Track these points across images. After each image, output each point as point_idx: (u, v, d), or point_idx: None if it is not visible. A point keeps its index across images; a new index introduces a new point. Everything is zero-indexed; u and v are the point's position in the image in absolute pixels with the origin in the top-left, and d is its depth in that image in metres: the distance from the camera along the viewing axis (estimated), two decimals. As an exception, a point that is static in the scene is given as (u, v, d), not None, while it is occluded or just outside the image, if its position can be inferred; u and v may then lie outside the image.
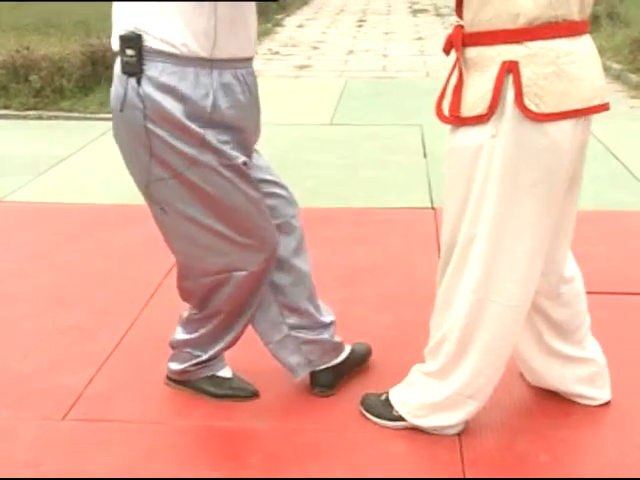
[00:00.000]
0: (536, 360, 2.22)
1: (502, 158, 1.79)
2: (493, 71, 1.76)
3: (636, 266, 3.23)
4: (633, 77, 7.42)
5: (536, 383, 2.30)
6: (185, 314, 2.28)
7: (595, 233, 3.45)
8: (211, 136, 1.91)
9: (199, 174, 1.94)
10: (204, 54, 1.87)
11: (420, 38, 11.12)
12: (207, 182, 1.95)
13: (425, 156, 4.88)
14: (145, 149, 1.93)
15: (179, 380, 2.35)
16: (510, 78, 1.74)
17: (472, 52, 1.83)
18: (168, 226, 2.09)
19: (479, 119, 1.79)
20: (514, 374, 2.35)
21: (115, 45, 1.93)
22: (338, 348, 2.35)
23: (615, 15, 10.04)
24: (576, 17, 1.77)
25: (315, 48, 9.67)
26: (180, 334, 2.29)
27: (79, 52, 6.83)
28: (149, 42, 1.86)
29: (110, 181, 4.53)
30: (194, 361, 2.28)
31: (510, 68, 1.74)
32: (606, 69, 7.93)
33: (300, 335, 2.25)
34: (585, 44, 1.83)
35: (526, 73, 1.73)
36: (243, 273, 2.09)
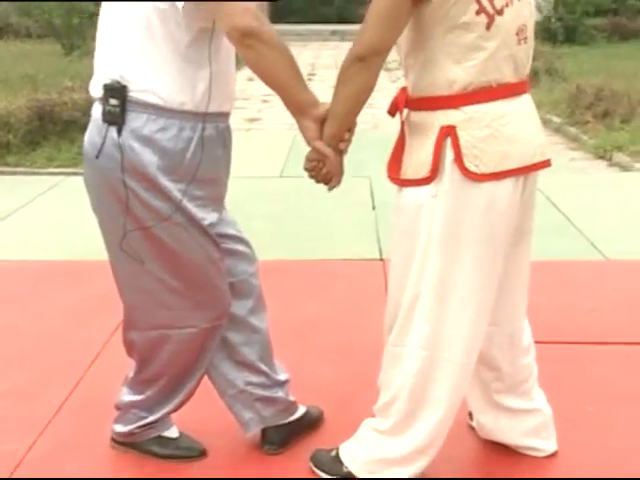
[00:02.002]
0: (484, 413, 2.24)
1: (443, 218, 1.83)
2: (433, 136, 1.81)
3: (581, 315, 3.30)
4: (572, 130, 7.68)
5: (485, 436, 2.31)
6: (131, 374, 2.24)
7: (540, 283, 3.49)
8: (185, 194, 1.91)
9: (166, 230, 1.93)
10: (189, 107, 1.88)
11: (368, 91, 11.32)
12: (172, 238, 1.95)
13: (374, 208, 4.94)
14: (118, 200, 1.91)
15: (124, 442, 2.29)
16: (449, 142, 1.79)
17: (415, 116, 1.88)
18: (124, 276, 2.07)
19: (421, 182, 1.84)
20: (463, 426, 2.36)
21: (96, 92, 1.91)
22: (292, 407, 2.34)
23: (553, 71, 10.42)
24: (511, 79, 1.83)
25: (265, 101, 9.76)
26: (126, 395, 2.24)
27: (25, 107, 6.77)
28: (134, 93, 1.84)
29: (56, 237, 4.46)
30: (140, 423, 2.23)
31: (448, 132, 1.79)
32: (546, 122, 8.31)
33: (254, 392, 2.23)
34: (522, 104, 1.89)
35: (464, 136, 1.78)
36: (193, 330, 2.07)
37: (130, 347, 2.19)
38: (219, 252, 2.04)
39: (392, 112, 1.97)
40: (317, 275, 3.87)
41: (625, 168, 6.21)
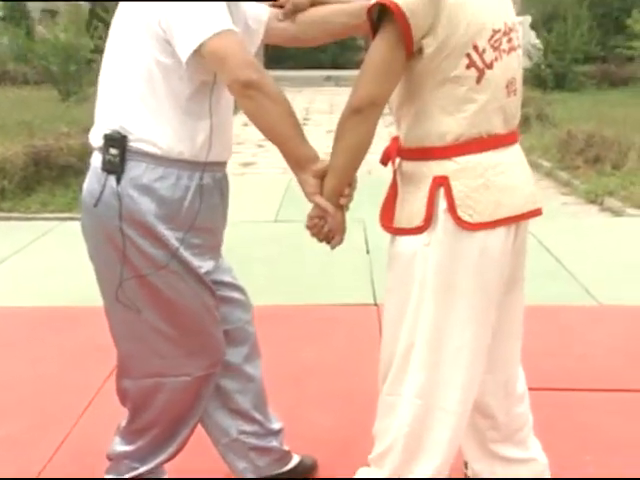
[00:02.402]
0: (479, 462, 2.22)
1: (436, 267, 1.84)
2: (426, 186, 1.83)
3: (574, 361, 3.30)
4: (563, 174, 7.77)
5: (480, 484, 2.29)
6: (123, 423, 2.22)
7: (532, 328, 3.48)
8: (182, 242, 1.92)
9: (162, 278, 1.93)
10: (188, 157, 1.90)
11: (361, 137, 11.44)
12: (168, 286, 1.95)
13: (368, 252, 4.97)
14: (116, 248, 1.92)
15: (117, 493, 2.26)
16: (442, 191, 1.82)
17: (407, 166, 1.91)
18: (119, 324, 2.06)
19: (414, 231, 1.86)
20: (459, 474, 2.34)
21: (96, 142, 1.94)
22: (286, 457, 2.32)
23: (544, 116, 10.57)
24: (501, 131, 1.87)
25: (260, 146, 9.86)
26: (118, 445, 2.22)
27: (22, 153, 6.82)
28: (134, 142, 1.87)
29: (50, 283, 4.46)
30: (133, 474, 2.19)
31: (441, 182, 1.81)
32: (537, 167, 8.39)
33: (248, 441, 2.22)
34: (513, 154, 1.93)
35: (457, 186, 1.81)
36: (187, 378, 2.07)
37: (123, 396, 2.18)
38: (215, 300, 2.05)
39: (384, 161, 2.00)
40: (312, 321, 3.87)
41: (617, 213, 6.26)
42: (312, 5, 2.14)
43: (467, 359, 1.90)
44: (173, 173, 1.89)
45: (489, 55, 1.80)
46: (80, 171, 7.18)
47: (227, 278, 2.17)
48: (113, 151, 1.87)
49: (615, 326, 3.74)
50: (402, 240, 1.90)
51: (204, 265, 2.00)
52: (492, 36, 1.80)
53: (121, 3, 1.95)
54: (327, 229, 1.93)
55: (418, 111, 1.84)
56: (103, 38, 14.56)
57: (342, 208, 1.91)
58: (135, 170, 1.88)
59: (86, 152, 7.17)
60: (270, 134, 1.85)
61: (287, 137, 1.84)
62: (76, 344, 3.51)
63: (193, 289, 1.98)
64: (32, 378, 3.19)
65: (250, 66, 1.76)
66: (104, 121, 1.93)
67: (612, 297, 4.13)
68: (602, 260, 4.83)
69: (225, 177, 2.07)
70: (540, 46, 16.81)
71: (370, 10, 1.78)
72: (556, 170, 7.99)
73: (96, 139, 1.94)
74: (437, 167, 1.83)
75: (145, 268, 1.92)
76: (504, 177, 1.85)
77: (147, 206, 1.88)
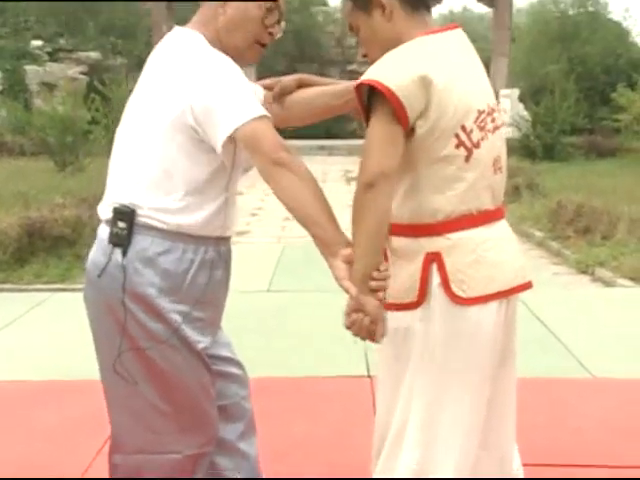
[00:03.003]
0: None
1: (431, 343, 1.86)
2: (418, 261, 1.87)
3: (567, 436, 3.27)
4: (554, 244, 7.83)
5: None
6: None
7: (525, 401, 3.46)
8: (184, 316, 1.94)
9: (160, 352, 1.94)
10: (195, 232, 1.94)
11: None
12: (164, 360, 1.96)
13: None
14: (116, 320, 1.93)
15: None
16: (435, 267, 1.85)
17: (398, 242, 1.94)
18: (115, 396, 2.06)
19: (408, 306, 1.88)
20: None
21: (104, 214, 1.97)
22: None
23: (534, 186, 10.72)
24: (489, 207, 1.92)
25: (253, 215, 9.95)
26: None
27: (16, 225, 6.85)
28: (142, 217, 1.90)
29: (41, 356, 4.42)
30: None
31: (434, 258, 1.85)
32: (529, 236, 8.46)
33: None
34: (501, 229, 1.98)
35: (449, 262, 1.85)
36: (177, 456, 2.05)
37: (114, 470, 2.15)
38: (210, 376, 2.05)
39: None
40: (305, 393, 3.83)
41: (608, 284, 6.29)
42: (299, 87, 2.22)
43: (461, 436, 1.90)
44: (179, 247, 1.93)
45: (476, 135, 1.86)
46: (74, 242, 7.21)
47: (225, 352, 2.17)
48: (121, 224, 1.91)
49: (609, 400, 3.71)
50: (396, 316, 1.92)
51: (203, 340, 2.01)
52: (478, 117, 1.87)
53: (144, 79, 2.00)
54: (367, 322, 1.82)
55: (408, 189, 1.89)
56: (100, 110, 14.88)
57: (373, 294, 1.82)
58: (142, 243, 1.91)
59: (80, 223, 7.28)
60: (300, 214, 1.84)
61: (317, 219, 1.82)
62: (66, 419, 3.46)
63: (189, 364, 1.99)
64: (21, 454, 3.13)
65: (282, 148, 1.81)
66: (114, 195, 1.97)
67: (606, 370, 4.11)
68: (595, 332, 4.83)
69: (229, 250, 2.10)
70: (528, 118, 17.18)
71: (359, 89, 1.84)
72: (547, 240, 8.06)
73: (105, 212, 1.98)
74: (429, 243, 1.87)
75: (144, 341, 1.93)
76: (494, 252, 1.90)
77: (151, 279, 1.90)
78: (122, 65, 21.29)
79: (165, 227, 1.91)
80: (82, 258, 6.77)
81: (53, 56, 21.13)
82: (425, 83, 1.76)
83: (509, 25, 20.83)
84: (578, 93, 18.50)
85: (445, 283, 1.84)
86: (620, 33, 24.02)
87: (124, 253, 1.91)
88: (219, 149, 1.84)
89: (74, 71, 20.29)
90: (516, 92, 19.94)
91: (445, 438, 1.89)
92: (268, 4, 1.98)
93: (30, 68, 19.71)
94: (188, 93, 1.84)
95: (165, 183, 1.91)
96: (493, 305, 1.89)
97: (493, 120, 1.93)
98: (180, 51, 1.92)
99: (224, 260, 2.07)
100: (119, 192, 1.96)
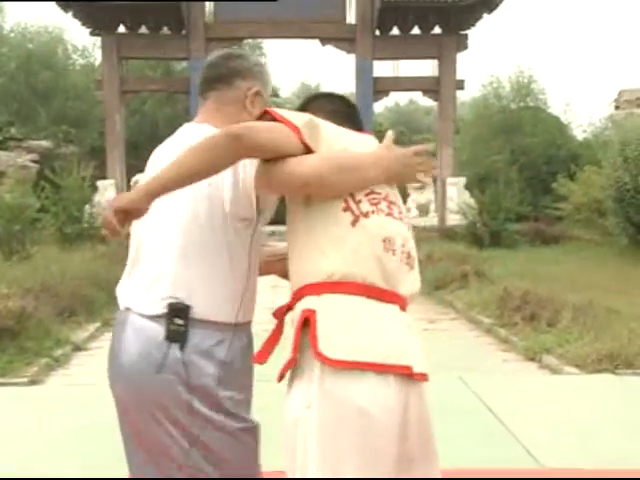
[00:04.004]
0: None
1: (317, 427, 1.81)
2: (296, 319, 1.89)
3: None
4: (502, 331, 7.94)
5: None
6: None
7: (477, 494, 3.46)
8: (234, 402, 1.98)
9: (217, 439, 1.96)
10: (233, 319, 2.01)
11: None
12: (223, 445, 1.98)
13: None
14: (170, 416, 1.93)
15: None
16: (306, 325, 1.84)
17: (293, 312, 1.96)
18: None
19: (288, 364, 1.86)
20: None
21: (152, 309, 1.95)
22: None
23: (481, 273, 10.94)
24: (379, 283, 1.88)
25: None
26: None
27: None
28: (197, 313, 1.94)
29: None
30: None
31: (308, 316, 1.84)
32: (477, 323, 8.58)
33: None
34: (390, 310, 1.89)
35: (321, 321, 1.83)
36: None
37: None
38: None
39: (276, 314, 2.03)
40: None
41: (555, 371, 6.37)
42: None
43: None
44: (228, 337, 1.99)
45: (365, 206, 1.91)
46: (17, 334, 7.02)
47: None
48: (179, 321, 1.93)
49: (558, 490, 3.70)
50: (287, 406, 1.89)
51: (248, 419, 2.05)
52: (369, 193, 1.94)
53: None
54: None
55: (298, 254, 1.94)
56: (50, 198, 14.79)
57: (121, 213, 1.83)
58: (197, 338, 1.94)
59: (24, 314, 7.08)
60: None
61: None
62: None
63: (247, 447, 2.02)
64: None
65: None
66: (162, 290, 1.96)
67: (554, 459, 4.10)
68: (543, 420, 4.84)
69: (251, 333, 2.15)
70: (474, 206, 17.69)
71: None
72: (495, 327, 8.17)
73: (153, 307, 1.96)
74: (307, 302, 1.88)
75: (197, 429, 1.94)
76: (370, 323, 1.85)
77: (210, 370, 1.94)
78: (73, 153, 21.36)
79: (218, 320, 1.97)
80: (25, 351, 6.60)
81: (3, 144, 21.12)
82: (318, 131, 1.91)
83: (453, 117, 21.72)
84: (521, 182, 19.23)
85: (313, 340, 1.81)
86: (560, 126, 25.20)
87: (181, 348, 1.92)
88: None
89: (24, 159, 20.27)
90: (462, 180, 20.61)
91: None
92: None
93: (-21, 156, 19.63)
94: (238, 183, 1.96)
95: (217, 276, 1.98)
96: (371, 380, 1.81)
97: (390, 207, 1.96)
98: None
99: (250, 343, 2.12)
100: (168, 286, 1.96)
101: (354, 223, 1.89)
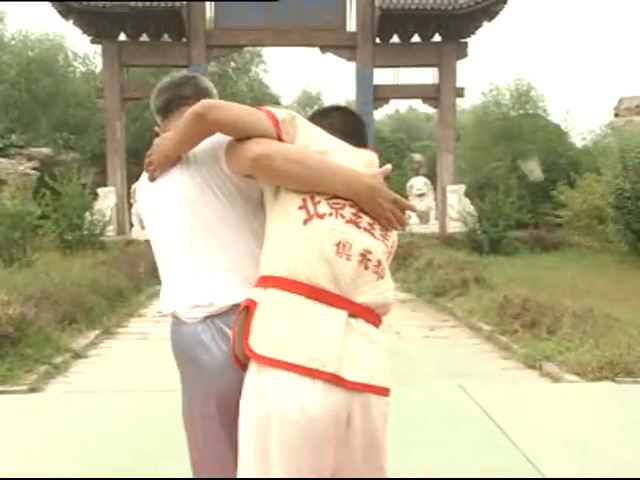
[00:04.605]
0: None
1: (241, 417, 1.89)
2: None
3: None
4: (502, 338, 7.91)
5: None
6: None
7: (477, 502, 3.45)
8: None
9: None
10: None
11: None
12: None
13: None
14: None
15: None
16: (244, 315, 1.87)
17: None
18: None
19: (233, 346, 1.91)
20: None
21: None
22: None
23: (481, 279, 10.91)
24: (327, 286, 1.86)
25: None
26: None
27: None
28: None
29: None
30: None
31: (247, 306, 1.87)
32: (477, 330, 8.55)
33: None
34: (337, 316, 1.86)
35: (258, 314, 1.85)
36: None
37: None
38: None
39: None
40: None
41: (555, 379, 6.34)
42: None
43: None
44: None
45: (323, 208, 1.92)
46: (17, 341, 7.00)
47: None
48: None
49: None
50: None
51: None
52: (332, 198, 1.94)
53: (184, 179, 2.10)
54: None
55: (263, 244, 1.98)
56: (50, 205, 14.80)
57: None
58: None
59: (25, 321, 7.06)
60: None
61: None
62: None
63: None
64: None
65: None
66: (201, 295, 2.01)
67: (555, 468, 4.08)
68: (544, 429, 4.82)
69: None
70: (474, 213, 17.69)
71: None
72: (495, 334, 8.14)
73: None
74: (253, 292, 1.90)
75: None
76: (304, 324, 1.83)
77: None
78: (74, 160, 21.40)
79: None
80: (25, 358, 6.58)
81: (4, 152, 21.15)
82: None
83: (453, 124, 21.76)
84: (521, 189, 19.24)
85: (246, 334, 1.83)
86: (560, 133, 25.26)
87: None
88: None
89: (25, 166, 20.31)
90: (463, 188, 20.61)
91: None
92: None
93: (-20, 164, 19.67)
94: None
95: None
96: (294, 382, 1.78)
97: (357, 217, 1.94)
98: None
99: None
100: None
101: (306, 222, 1.90)
